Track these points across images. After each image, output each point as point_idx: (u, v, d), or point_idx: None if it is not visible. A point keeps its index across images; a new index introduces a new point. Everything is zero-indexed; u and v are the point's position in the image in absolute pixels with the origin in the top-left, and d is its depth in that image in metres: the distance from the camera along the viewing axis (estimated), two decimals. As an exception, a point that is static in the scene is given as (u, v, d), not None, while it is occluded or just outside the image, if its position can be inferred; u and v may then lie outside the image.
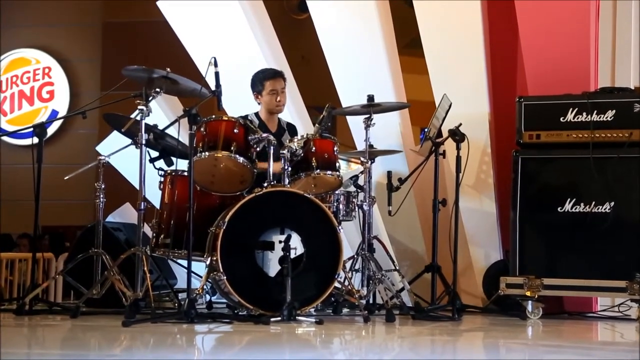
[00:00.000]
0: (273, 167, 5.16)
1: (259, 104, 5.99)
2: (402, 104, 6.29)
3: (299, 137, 5.41)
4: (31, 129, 5.44)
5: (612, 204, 5.37)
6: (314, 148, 5.31)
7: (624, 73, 6.27)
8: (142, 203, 5.05)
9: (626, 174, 5.38)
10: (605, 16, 6.25)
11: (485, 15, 6.32)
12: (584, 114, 5.48)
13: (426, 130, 5.76)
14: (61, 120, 11.96)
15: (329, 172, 5.35)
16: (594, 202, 5.41)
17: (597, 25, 6.13)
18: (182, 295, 5.33)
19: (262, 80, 5.92)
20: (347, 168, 5.94)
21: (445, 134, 5.77)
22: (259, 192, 5.03)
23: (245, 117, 5.67)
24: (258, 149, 5.21)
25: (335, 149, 5.42)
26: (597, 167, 5.39)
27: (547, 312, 5.48)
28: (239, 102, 6.08)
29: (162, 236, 5.40)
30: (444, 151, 5.85)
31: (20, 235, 10.30)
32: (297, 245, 4.97)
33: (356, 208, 5.73)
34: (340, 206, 5.68)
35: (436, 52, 6.36)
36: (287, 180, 5.17)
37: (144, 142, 5.05)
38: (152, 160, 5.47)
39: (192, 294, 4.79)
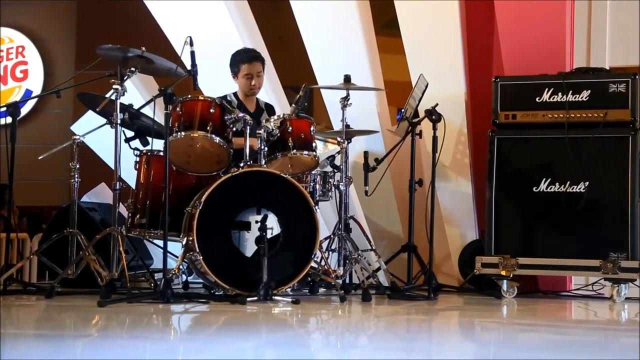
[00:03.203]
0: (250, 142, 5.14)
1: (237, 84, 5.97)
2: (376, 89, 6.30)
3: (276, 117, 5.40)
4: (4, 109, 5.38)
5: (587, 183, 5.41)
6: (290, 128, 5.30)
7: (599, 53, 6.29)
8: (118, 183, 5.04)
9: (601, 154, 5.42)
10: (581, -3, 6.27)
11: (462, -5, 6.32)
12: (560, 94, 5.50)
13: (403, 110, 5.76)
14: (35, 100, 11.83)
15: (306, 152, 5.34)
16: (568, 182, 5.44)
17: (573, 6, 6.15)
18: (158, 276, 5.32)
19: (239, 63, 5.91)
20: (323, 148, 5.93)
21: (421, 114, 5.77)
22: (235, 172, 5.01)
23: (224, 98, 5.65)
24: (235, 129, 5.20)
25: (312, 129, 5.41)
26: (572, 147, 5.42)
27: (522, 291, 5.53)
28: (214, 82, 6.05)
29: (137, 216, 5.38)
30: (421, 131, 5.85)
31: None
32: (273, 225, 4.97)
33: (333, 188, 5.73)
34: (317, 186, 5.68)
35: (413, 33, 6.35)
36: (263, 161, 5.16)
37: (119, 121, 5.03)
38: (128, 140, 5.44)
39: (168, 274, 4.79)
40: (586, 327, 4.53)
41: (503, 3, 6.10)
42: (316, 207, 5.13)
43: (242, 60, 5.90)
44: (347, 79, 5.54)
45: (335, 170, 5.75)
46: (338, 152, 5.69)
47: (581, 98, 5.46)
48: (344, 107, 5.55)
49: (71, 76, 8.42)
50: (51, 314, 4.54)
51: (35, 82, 12.05)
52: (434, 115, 5.60)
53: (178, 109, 5.12)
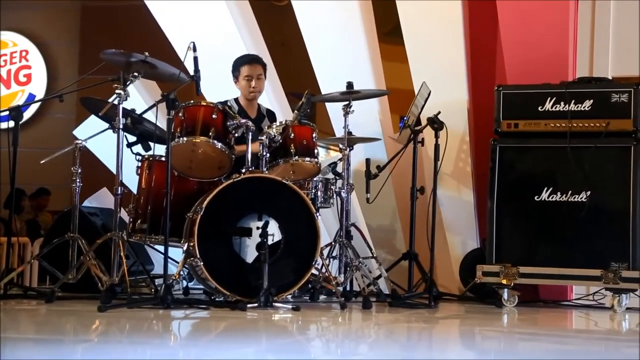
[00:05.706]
0: (252, 147, 5.13)
1: (238, 89, 5.98)
2: (381, 91, 6.29)
3: (278, 123, 5.40)
4: (7, 112, 5.39)
5: (589, 193, 5.40)
6: (292, 134, 5.30)
7: (602, 63, 6.29)
8: (119, 188, 5.03)
9: (603, 163, 5.41)
10: (584, 6, 6.27)
11: (465, 4, 6.32)
12: (562, 103, 5.50)
13: (405, 118, 5.76)
14: (38, 104, 11.84)
15: (308, 158, 5.34)
16: (570, 191, 5.44)
17: (576, 15, 6.16)
18: (158, 281, 5.32)
19: (239, 65, 5.93)
20: (325, 155, 5.93)
21: (424, 122, 5.77)
22: (237, 178, 5.01)
23: (224, 103, 5.65)
24: (237, 135, 5.20)
25: (314, 135, 5.41)
26: (574, 157, 5.41)
27: (522, 300, 5.52)
28: (217, 88, 6.06)
29: (138, 221, 5.38)
30: (423, 139, 5.85)
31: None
32: (274, 232, 4.96)
33: (334, 195, 5.73)
34: (319, 193, 5.68)
35: (416, 40, 6.36)
36: (265, 167, 5.16)
37: (121, 126, 5.02)
38: (130, 145, 5.44)
39: (169, 279, 4.78)
40: (587, 336, 4.52)
41: (506, 11, 6.10)
42: (317, 214, 5.12)
43: (243, 62, 5.92)
44: (350, 86, 5.54)
45: (337, 177, 5.75)
46: (340, 159, 5.69)
47: (583, 107, 5.46)
48: (346, 114, 5.55)
49: (74, 80, 8.44)
50: (51, 318, 4.53)
51: (39, 86, 12.06)
52: (436, 123, 5.60)
53: (180, 114, 5.13)
